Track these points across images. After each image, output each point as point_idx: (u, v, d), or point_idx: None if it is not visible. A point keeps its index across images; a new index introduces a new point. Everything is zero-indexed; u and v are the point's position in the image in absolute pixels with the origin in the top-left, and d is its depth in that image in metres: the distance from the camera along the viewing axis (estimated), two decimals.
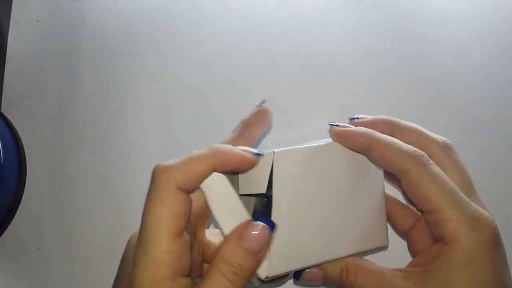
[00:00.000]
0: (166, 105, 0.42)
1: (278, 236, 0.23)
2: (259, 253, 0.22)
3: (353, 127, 0.26)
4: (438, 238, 0.24)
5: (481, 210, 0.24)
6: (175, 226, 0.22)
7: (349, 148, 0.26)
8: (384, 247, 0.28)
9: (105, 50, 0.44)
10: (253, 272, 0.22)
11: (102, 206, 0.41)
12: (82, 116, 0.43)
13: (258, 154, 0.24)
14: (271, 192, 0.24)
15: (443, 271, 0.23)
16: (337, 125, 0.27)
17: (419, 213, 0.29)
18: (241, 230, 0.22)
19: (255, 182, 0.25)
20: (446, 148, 0.27)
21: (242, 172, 0.26)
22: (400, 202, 0.30)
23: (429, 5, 0.40)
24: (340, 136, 0.26)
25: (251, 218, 0.23)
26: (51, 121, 0.44)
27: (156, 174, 0.23)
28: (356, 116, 0.29)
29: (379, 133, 0.25)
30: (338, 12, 0.41)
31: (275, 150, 0.24)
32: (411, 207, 0.30)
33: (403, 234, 0.29)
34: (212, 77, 0.42)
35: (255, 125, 0.28)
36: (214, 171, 0.23)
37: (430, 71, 0.39)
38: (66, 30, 0.45)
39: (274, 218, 0.24)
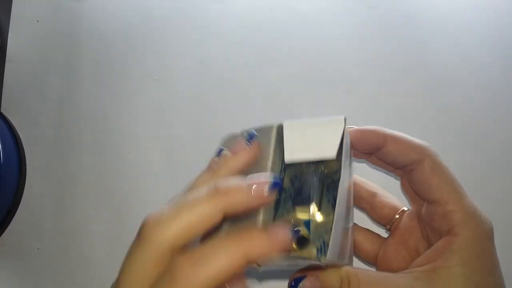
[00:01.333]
0: (166, 105, 0.42)
1: (336, 226, 0.22)
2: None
3: (360, 127, 0.26)
4: (444, 231, 0.24)
5: (479, 206, 0.25)
6: None
7: (359, 149, 0.27)
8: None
9: (105, 50, 0.44)
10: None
11: (102, 206, 0.41)
12: (82, 116, 0.43)
13: (277, 184, 0.21)
14: (340, 165, 0.22)
15: (456, 262, 0.22)
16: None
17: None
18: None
19: (316, 144, 0.22)
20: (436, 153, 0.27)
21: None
22: (362, 227, 0.31)
23: (430, 6, 0.40)
24: (352, 137, 0.26)
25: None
26: (51, 121, 0.43)
27: (142, 227, 0.19)
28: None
29: (389, 130, 0.26)
30: (339, 13, 0.41)
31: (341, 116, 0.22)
32: (373, 234, 0.30)
33: (371, 259, 0.29)
34: (212, 77, 0.42)
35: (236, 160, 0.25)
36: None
37: (430, 71, 0.39)
38: (66, 30, 0.45)
39: (338, 206, 0.21)
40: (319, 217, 0.24)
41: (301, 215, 0.24)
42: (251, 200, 0.20)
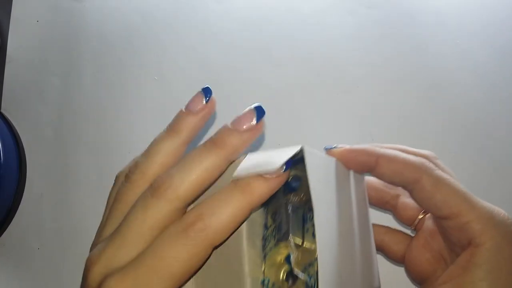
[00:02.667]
0: (166, 105, 0.42)
1: (324, 255, 0.21)
2: None
3: (351, 146, 0.25)
4: (464, 244, 0.23)
5: (495, 207, 0.23)
6: None
7: (352, 169, 0.25)
8: None
9: (105, 50, 0.44)
10: None
11: (102, 206, 0.41)
12: (82, 116, 0.43)
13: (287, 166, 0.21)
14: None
15: (480, 276, 0.21)
16: (334, 147, 0.25)
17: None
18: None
19: (266, 163, 0.21)
20: (436, 159, 0.26)
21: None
22: (389, 228, 0.29)
23: (429, 5, 0.40)
24: (342, 157, 0.25)
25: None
26: (51, 121, 0.43)
27: (158, 186, 0.20)
28: (334, 146, 0.27)
29: (379, 147, 0.24)
30: (338, 12, 0.41)
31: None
32: (402, 230, 0.29)
33: (399, 259, 0.29)
34: (212, 77, 0.42)
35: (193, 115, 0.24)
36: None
37: (430, 71, 0.39)
38: (66, 30, 0.45)
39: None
40: (303, 248, 0.23)
41: (283, 251, 0.24)
42: (246, 137, 0.21)
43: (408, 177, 0.23)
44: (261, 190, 0.20)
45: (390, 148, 0.25)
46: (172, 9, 0.44)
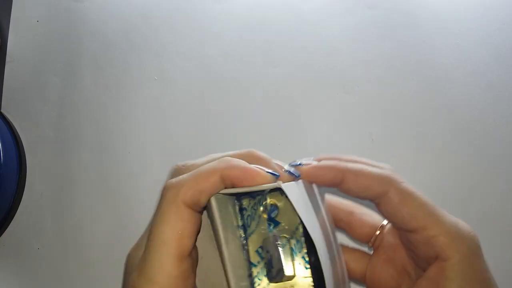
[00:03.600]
0: (166, 105, 0.42)
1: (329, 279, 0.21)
2: None
3: (318, 163, 0.24)
4: (431, 257, 0.23)
5: (459, 220, 0.23)
6: (181, 248, 0.21)
7: (319, 185, 0.25)
8: None
9: (105, 50, 0.44)
10: None
11: (102, 206, 0.41)
12: (82, 116, 0.43)
13: (274, 174, 0.22)
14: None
15: None
16: (300, 164, 0.25)
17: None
18: None
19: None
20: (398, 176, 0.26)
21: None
22: (346, 246, 0.29)
23: (430, 6, 0.40)
24: (309, 175, 0.24)
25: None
26: (51, 121, 0.43)
27: (164, 191, 0.22)
28: (299, 162, 0.27)
29: (346, 162, 0.24)
30: (339, 13, 0.41)
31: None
32: (359, 251, 0.29)
33: (359, 278, 0.28)
34: (212, 77, 0.42)
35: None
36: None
37: (430, 71, 0.39)
38: (66, 30, 0.45)
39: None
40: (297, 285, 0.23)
41: None
42: (249, 175, 0.22)
43: (376, 191, 0.23)
44: (234, 170, 0.22)
45: (354, 161, 0.25)
46: (172, 9, 0.44)
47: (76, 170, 0.42)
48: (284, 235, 0.24)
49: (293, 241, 0.24)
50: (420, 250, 0.23)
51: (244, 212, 0.24)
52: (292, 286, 0.24)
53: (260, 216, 0.24)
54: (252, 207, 0.24)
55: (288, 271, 0.23)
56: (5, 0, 0.47)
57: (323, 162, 0.24)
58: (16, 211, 0.42)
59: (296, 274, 0.23)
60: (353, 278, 0.29)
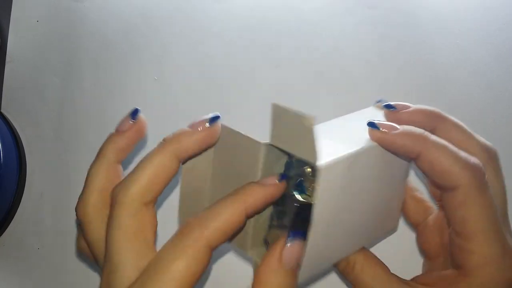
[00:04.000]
0: (166, 105, 0.42)
1: (308, 249, 0.21)
2: (298, 268, 0.21)
3: (397, 126, 0.23)
4: (457, 264, 0.22)
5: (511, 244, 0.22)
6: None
7: (391, 152, 0.23)
8: (392, 231, 0.27)
9: (105, 50, 0.44)
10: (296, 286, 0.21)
11: None
12: (82, 116, 0.43)
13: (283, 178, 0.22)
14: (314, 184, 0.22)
15: None
16: (377, 127, 0.23)
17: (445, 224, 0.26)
18: (279, 252, 0.20)
19: (301, 144, 0.22)
20: (490, 155, 0.24)
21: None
22: (416, 195, 0.28)
23: (430, 6, 0.40)
24: (383, 142, 0.23)
25: (286, 235, 0.20)
26: (51, 121, 0.43)
27: (113, 197, 0.22)
28: (390, 104, 0.25)
29: (430, 137, 0.22)
30: (339, 13, 0.41)
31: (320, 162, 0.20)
32: (427, 202, 0.28)
33: (413, 225, 0.28)
34: (212, 77, 0.42)
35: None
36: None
37: (430, 71, 0.39)
38: (66, 30, 0.45)
39: (311, 237, 0.21)
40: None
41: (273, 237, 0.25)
42: (197, 138, 0.23)
43: (448, 182, 0.22)
44: (256, 197, 0.21)
45: (451, 123, 0.24)
46: (172, 9, 0.44)
47: (76, 170, 0.42)
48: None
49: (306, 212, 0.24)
50: (454, 249, 0.23)
51: (290, 167, 0.25)
52: None
53: (297, 178, 0.24)
54: (297, 167, 0.24)
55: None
56: (5, 0, 0.47)
57: (404, 130, 0.22)
58: (16, 211, 0.42)
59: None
60: (408, 221, 0.28)
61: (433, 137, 0.22)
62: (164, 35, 0.44)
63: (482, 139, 0.25)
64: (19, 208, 0.42)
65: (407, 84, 0.39)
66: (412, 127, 0.22)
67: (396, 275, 0.23)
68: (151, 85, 0.43)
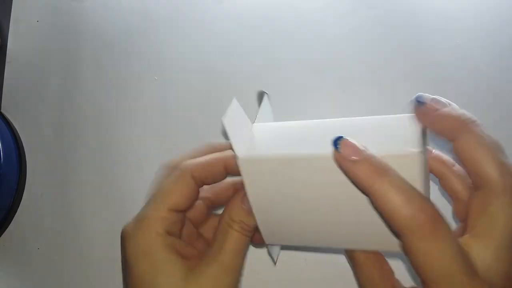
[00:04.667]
0: (166, 105, 0.42)
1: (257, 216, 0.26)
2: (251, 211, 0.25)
3: (444, 108, 0.24)
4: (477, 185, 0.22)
5: None
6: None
7: (432, 130, 0.24)
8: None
9: (105, 50, 0.44)
10: (254, 228, 0.26)
11: (102, 206, 0.41)
12: (82, 116, 0.43)
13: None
14: None
15: (497, 212, 0.21)
16: (423, 102, 0.24)
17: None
18: (243, 194, 0.25)
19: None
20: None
21: None
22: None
23: (430, 6, 0.40)
24: (425, 118, 0.24)
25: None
26: (51, 121, 0.44)
27: (178, 165, 0.26)
28: (421, 99, 0.25)
29: (473, 122, 0.23)
30: (339, 13, 0.41)
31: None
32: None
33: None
34: (212, 77, 0.42)
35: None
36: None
37: (430, 71, 0.39)
38: (66, 30, 0.45)
39: (254, 209, 0.25)
40: None
41: None
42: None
43: (482, 177, 0.22)
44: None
45: (476, 139, 0.24)
46: (172, 9, 0.44)
47: (76, 170, 0.42)
48: None
49: None
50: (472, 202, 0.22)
51: None
52: None
53: None
54: None
55: None
56: (5, 0, 0.47)
57: (448, 111, 0.23)
58: (16, 211, 0.42)
59: None
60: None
61: (473, 126, 0.23)
62: (164, 35, 0.44)
63: (504, 160, 0.23)
64: (19, 208, 0.42)
65: (407, 84, 0.39)
66: (455, 111, 0.23)
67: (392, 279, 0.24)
68: (151, 85, 0.43)
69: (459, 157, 0.23)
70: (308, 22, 0.41)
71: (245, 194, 0.25)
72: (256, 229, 0.26)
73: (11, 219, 0.42)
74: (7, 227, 0.42)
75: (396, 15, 0.41)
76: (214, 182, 0.26)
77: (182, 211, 0.25)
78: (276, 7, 0.42)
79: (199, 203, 0.28)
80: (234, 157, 0.24)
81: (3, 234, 0.42)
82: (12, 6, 0.46)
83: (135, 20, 0.44)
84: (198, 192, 0.26)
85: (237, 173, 0.25)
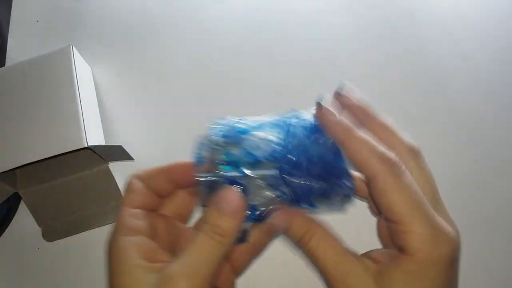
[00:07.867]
0: (166, 105, 0.42)
1: None
2: (234, 213, 0.23)
3: (335, 114, 0.26)
4: (398, 248, 0.23)
5: (444, 224, 0.23)
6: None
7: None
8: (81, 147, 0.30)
9: (105, 50, 0.44)
10: (232, 232, 0.23)
11: (102, 205, 0.41)
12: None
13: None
14: None
15: (399, 278, 0.22)
16: (321, 106, 0.27)
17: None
18: (217, 196, 0.24)
19: None
20: (414, 153, 0.25)
21: None
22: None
23: (429, 6, 0.40)
24: (320, 121, 0.27)
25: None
26: None
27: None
28: (340, 90, 0.29)
29: (355, 130, 0.24)
30: (338, 12, 0.41)
31: None
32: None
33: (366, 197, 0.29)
34: (212, 77, 0.42)
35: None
36: None
37: (430, 71, 0.39)
38: (66, 30, 0.45)
39: None
40: None
41: None
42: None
43: (366, 171, 0.23)
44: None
45: (377, 121, 0.26)
46: (172, 9, 0.44)
47: None
48: None
49: None
50: (392, 234, 0.24)
51: None
52: None
53: None
54: None
55: None
56: (5, 0, 0.47)
57: (335, 119, 0.25)
58: (16, 211, 0.42)
59: None
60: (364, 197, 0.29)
61: (356, 132, 0.24)
62: (164, 35, 0.44)
63: (407, 138, 0.26)
64: (19, 208, 0.42)
65: (407, 84, 0.39)
66: (344, 119, 0.25)
67: (351, 251, 0.24)
68: (151, 85, 0.43)
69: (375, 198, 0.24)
70: (308, 23, 0.41)
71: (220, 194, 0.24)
72: (243, 236, 0.25)
73: (11, 219, 0.42)
74: (7, 227, 0.42)
75: (396, 15, 0.41)
76: (162, 185, 0.28)
77: (143, 208, 0.27)
78: (276, 7, 0.42)
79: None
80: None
81: (3, 234, 0.42)
82: (12, 6, 0.46)
83: (134, 20, 0.44)
84: (152, 187, 0.28)
85: (183, 182, 0.27)
